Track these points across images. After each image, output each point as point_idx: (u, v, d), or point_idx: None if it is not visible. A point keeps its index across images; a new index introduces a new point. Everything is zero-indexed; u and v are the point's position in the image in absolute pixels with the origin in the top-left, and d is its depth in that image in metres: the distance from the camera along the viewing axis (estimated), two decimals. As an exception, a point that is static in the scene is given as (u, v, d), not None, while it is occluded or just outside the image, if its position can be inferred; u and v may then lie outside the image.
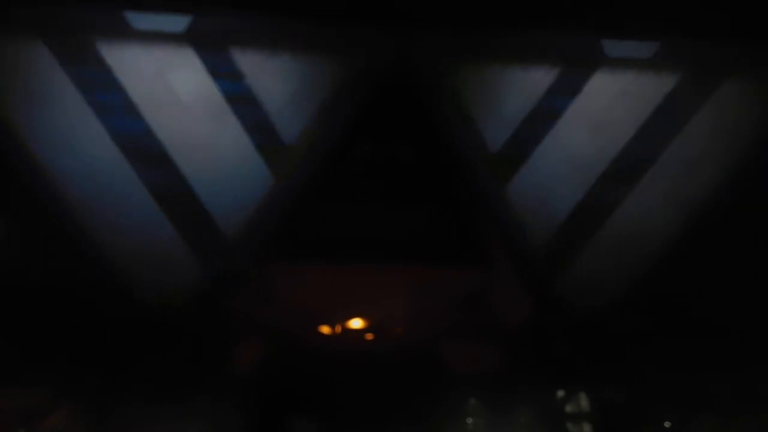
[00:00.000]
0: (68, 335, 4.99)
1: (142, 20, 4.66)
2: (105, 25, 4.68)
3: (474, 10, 4.61)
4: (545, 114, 5.10)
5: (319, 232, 5.41)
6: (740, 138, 5.27)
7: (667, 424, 5.22)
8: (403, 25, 4.67)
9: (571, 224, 5.33)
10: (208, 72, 4.87)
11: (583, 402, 5.42)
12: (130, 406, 4.86)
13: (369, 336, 5.82)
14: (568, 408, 5.45)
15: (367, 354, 5.70)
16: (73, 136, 4.87)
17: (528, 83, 5.02)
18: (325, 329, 5.82)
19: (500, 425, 5.30)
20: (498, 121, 5.07)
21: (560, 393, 5.45)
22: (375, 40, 4.81)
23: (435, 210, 5.53)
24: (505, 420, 5.28)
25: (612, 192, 5.31)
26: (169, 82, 4.85)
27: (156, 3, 4.61)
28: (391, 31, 4.75)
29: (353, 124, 4.99)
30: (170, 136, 4.95)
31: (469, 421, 5.35)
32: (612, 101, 5.13)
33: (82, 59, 4.74)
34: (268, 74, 4.87)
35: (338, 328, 5.83)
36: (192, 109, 4.93)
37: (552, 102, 5.08)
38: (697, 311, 5.39)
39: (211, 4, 4.61)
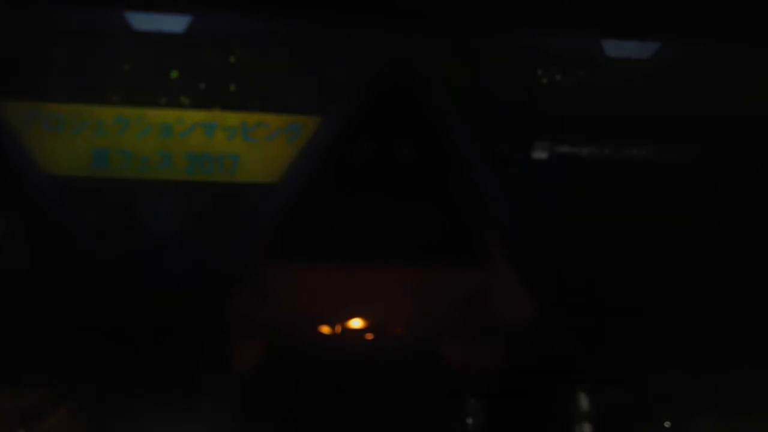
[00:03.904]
0: (68, 335, 4.99)
1: (142, 20, 4.66)
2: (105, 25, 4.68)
3: (474, 10, 4.61)
4: (545, 113, 5.10)
5: (319, 231, 5.41)
6: (740, 138, 5.27)
7: (667, 424, 5.22)
8: (403, 25, 4.68)
9: (571, 224, 5.33)
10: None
11: (583, 402, 5.43)
12: (129, 407, 4.86)
13: (369, 336, 5.83)
14: (568, 408, 5.46)
15: (367, 354, 5.71)
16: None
17: (528, 83, 5.02)
18: (325, 329, 5.83)
19: (500, 425, 5.30)
20: (498, 120, 5.08)
21: (560, 393, 5.46)
22: (375, 40, 4.82)
23: (435, 210, 5.53)
24: (505, 420, 5.29)
25: (611, 191, 5.31)
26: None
27: (156, 3, 4.61)
28: (391, 31, 4.76)
29: (353, 124, 5.00)
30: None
31: (469, 421, 5.36)
32: (612, 101, 5.14)
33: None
34: (268, 74, 4.87)
35: (338, 328, 5.84)
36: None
37: (552, 101, 5.09)
38: (696, 311, 5.39)
39: (211, 4, 4.60)
